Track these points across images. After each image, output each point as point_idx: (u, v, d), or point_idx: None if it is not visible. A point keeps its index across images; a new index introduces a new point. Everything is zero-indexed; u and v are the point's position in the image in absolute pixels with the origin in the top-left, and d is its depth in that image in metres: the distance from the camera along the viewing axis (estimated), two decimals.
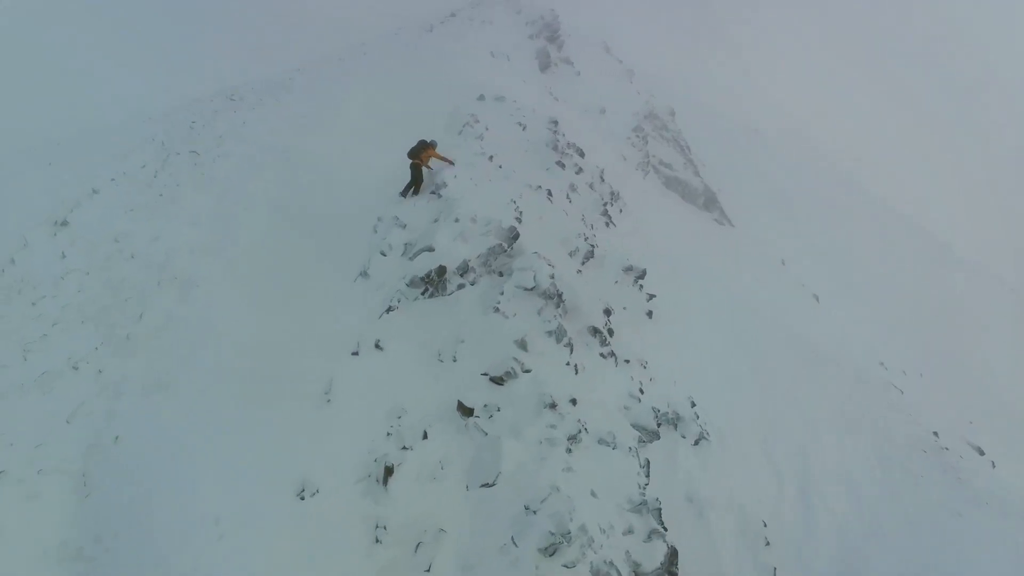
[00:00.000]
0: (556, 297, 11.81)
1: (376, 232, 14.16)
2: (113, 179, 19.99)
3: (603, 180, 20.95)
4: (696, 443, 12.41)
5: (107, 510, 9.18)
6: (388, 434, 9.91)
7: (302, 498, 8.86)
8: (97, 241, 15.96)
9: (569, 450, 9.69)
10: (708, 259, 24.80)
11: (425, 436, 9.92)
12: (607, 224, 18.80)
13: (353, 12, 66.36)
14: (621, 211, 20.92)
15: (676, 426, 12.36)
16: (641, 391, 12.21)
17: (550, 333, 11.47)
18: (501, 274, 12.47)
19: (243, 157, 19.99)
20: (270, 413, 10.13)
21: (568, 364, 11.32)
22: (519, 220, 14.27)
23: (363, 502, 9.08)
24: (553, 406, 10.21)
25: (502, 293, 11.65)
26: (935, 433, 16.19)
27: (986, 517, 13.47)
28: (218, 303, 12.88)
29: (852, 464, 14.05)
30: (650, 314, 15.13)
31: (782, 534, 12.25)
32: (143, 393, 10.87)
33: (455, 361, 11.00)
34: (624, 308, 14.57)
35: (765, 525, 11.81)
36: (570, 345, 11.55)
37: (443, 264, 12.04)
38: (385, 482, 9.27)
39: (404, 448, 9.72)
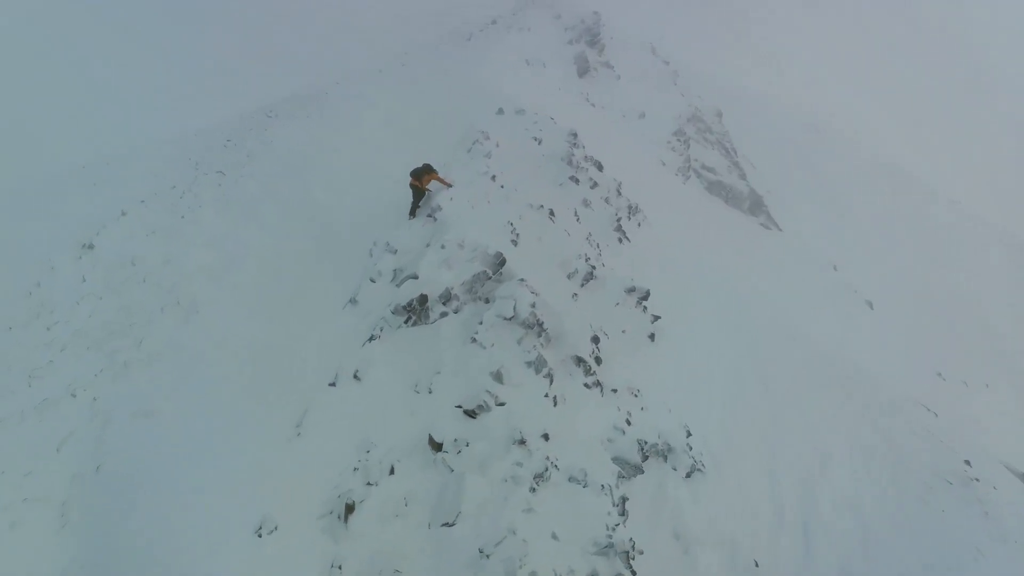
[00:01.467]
0: (537, 326, 11.56)
1: (371, 256, 14.20)
2: (143, 201, 20.74)
3: (620, 194, 20.45)
4: (688, 475, 11.94)
5: (82, 541, 9.49)
6: (355, 469, 9.89)
7: (260, 535, 8.91)
8: (116, 264, 16.58)
9: (533, 489, 9.46)
10: (735, 270, 23.94)
11: (392, 471, 9.87)
12: (620, 240, 18.34)
13: (405, 19, 67.36)
14: (640, 225, 20.39)
15: (666, 458, 11.93)
16: (628, 422, 11.83)
17: (529, 364, 11.25)
18: (488, 301, 12.30)
19: (264, 176, 20.48)
20: (242, 445, 10.27)
21: (547, 396, 11.07)
22: (515, 243, 14.08)
23: (322, 540, 9.09)
24: (522, 442, 10.00)
25: (481, 323, 11.49)
26: (967, 462, 15.11)
27: (1013, 556, 12.52)
28: (214, 330, 13.19)
29: (864, 496, 13.26)
30: (652, 337, 14.67)
31: (777, 570, 11.67)
32: (130, 421, 11.21)
33: (431, 393, 10.91)
34: (623, 332, 14.17)
35: (757, 565, 11.24)
36: (550, 376, 11.29)
37: (424, 292, 11.94)
38: (346, 519, 9.25)
39: (369, 484, 9.68)
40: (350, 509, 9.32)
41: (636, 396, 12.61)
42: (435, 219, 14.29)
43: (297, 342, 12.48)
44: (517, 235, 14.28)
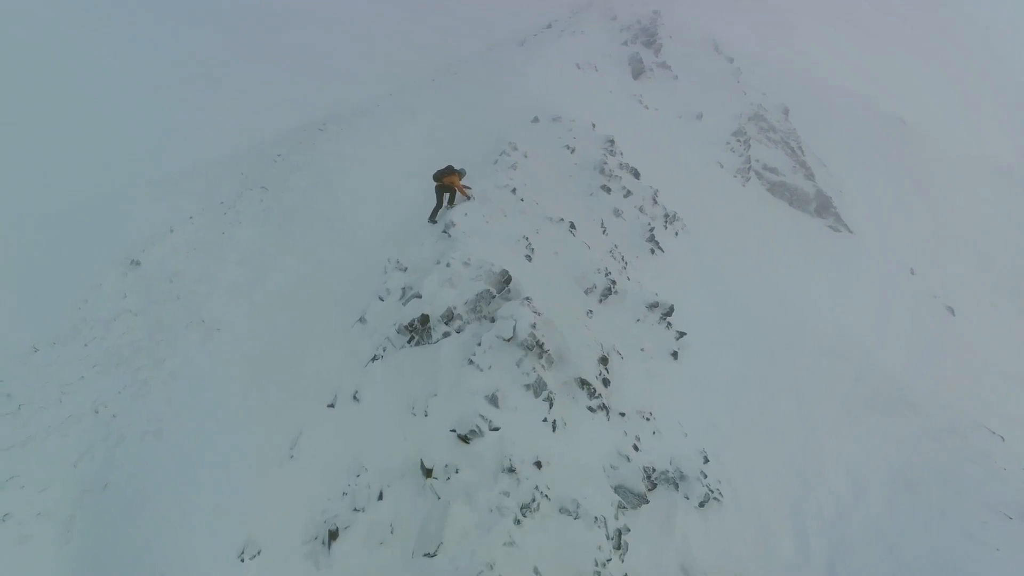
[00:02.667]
0: (537, 347, 11.19)
1: (385, 273, 14.18)
2: (191, 217, 21.54)
3: (656, 202, 19.77)
4: (701, 504, 11.30)
5: (81, 558, 9.81)
6: (344, 493, 9.81)
7: (242, 560, 8.94)
8: (157, 281, 17.23)
9: (518, 520, 9.12)
10: (785, 279, 22.70)
11: (381, 497, 9.74)
12: (652, 251, 17.69)
13: (468, 25, 67.88)
14: (677, 234, 19.64)
15: (677, 486, 11.34)
16: (636, 448, 11.30)
17: (528, 387, 10.90)
18: (493, 320, 12.04)
19: (300, 192, 20.90)
20: (237, 466, 10.37)
21: (545, 420, 10.69)
22: (529, 258, 13.78)
23: (304, 565, 9.04)
24: (511, 470, 9.67)
25: (479, 344, 11.22)
26: None
27: None
28: (229, 349, 13.47)
29: (902, 531, 12.18)
30: (675, 355, 14.02)
31: None
32: (140, 440, 11.55)
33: (426, 416, 10.72)
34: (642, 350, 13.61)
35: None
36: (550, 399, 10.90)
37: (426, 312, 11.78)
38: (329, 545, 9.18)
39: (356, 510, 9.58)
40: (333, 535, 9.25)
41: (648, 419, 12.03)
42: (449, 235, 14.13)
43: (306, 361, 12.53)
44: (532, 250, 13.95)
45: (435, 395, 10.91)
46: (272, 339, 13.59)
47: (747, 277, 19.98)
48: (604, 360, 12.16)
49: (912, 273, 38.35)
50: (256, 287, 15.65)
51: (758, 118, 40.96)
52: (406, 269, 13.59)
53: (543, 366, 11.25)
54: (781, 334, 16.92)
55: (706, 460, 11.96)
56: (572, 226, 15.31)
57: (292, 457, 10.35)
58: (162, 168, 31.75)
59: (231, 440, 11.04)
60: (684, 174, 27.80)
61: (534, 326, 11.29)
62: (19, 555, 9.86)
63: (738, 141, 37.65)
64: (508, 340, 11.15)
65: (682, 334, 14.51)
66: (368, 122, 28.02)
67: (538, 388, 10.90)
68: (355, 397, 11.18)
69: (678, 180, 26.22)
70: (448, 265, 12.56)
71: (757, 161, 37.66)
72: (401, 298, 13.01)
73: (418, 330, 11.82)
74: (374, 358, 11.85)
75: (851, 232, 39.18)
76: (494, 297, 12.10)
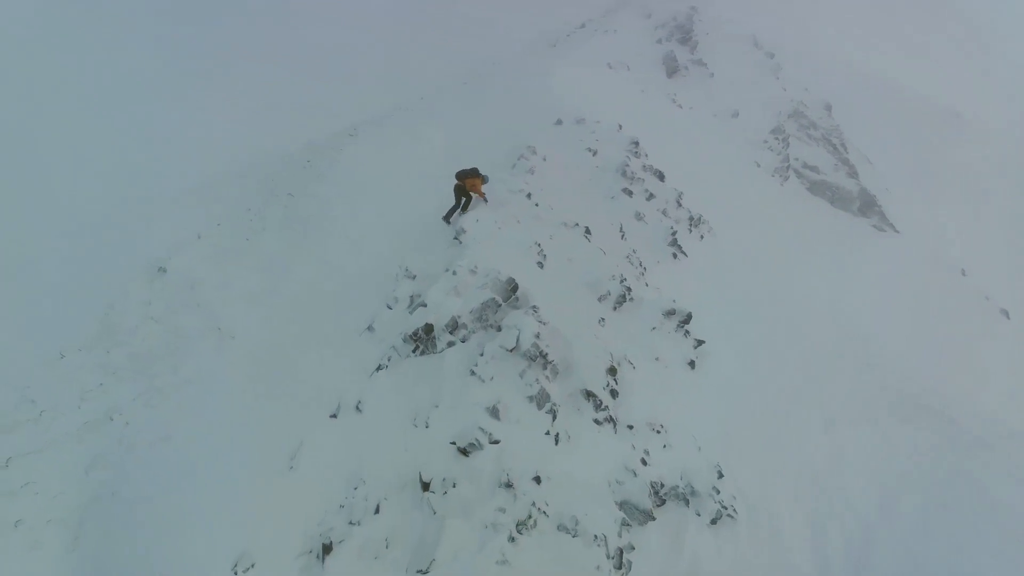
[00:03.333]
0: (540, 358, 10.91)
1: (396, 281, 14.09)
2: (219, 223, 21.85)
3: (680, 205, 19.24)
4: (714, 521, 10.87)
5: (86, 565, 9.93)
6: (341, 506, 9.73)
7: (235, 573, 8.91)
8: (179, 288, 17.46)
9: (513, 538, 8.87)
10: (819, 281, 21.86)
11: (378, 510, 9.61)
12: (675, 256, 17.21)
13: (508, 26, 67.61)
14: (702, 238, 19.08)
15: (688, 502, 10.92)
16: (644, 462, 10.92)
17: (531, 398, 10.64)
18: (499, 330, 11.81)
19: (324, 199, 21.01)
20: (238, 476, 10.39)
21: (548, 434, 10.41)
22: (541, 265, 13.52)
23: None
24: (508, 485, 9.43)
25: (482, 354, 11.01)
26: None
27: None
28: (242, 357, 13.54)
29: (932, 552, 11.50)
30: (692, 364, 13.56)
31: None
32: (150, 447, 11.67)
33: (427, 427, 10.56)
34: (656, 359, 13.19)
35: None
36: (553, 412, 10.62)
37: (430, 321, 11.62)
38: (323, 559, 9.09)
39: (352, 523, 9.48)
40: (327, 549, 9.16)
41: (659, 432, 11.63)
42: (460, 242, 13.96)
43: (313, 369, 12.52)
44: (544, 256, 13.68)
45: (437, 406, 10.74)
46: (283, 347, 13.62)
47: (776, 282, 19.29)
48: (613, 370, 11.80)
49: (963, 274, 36.71)
50: (273, 294, 15.73)
51: (798, 115, 39.75)
52: (415, 277, 13.47)
53: (547, 377, 10.96)
54: (808, 341, 16.28)
55: (720, 475, 11.51)
56: (587, 231, 14.98)
57: (292, 468, 10.31)
58: (194, 174, 32.22)
59: (235, 449, 11.07)
60: (716, 174, 27.09)
61: (538, 336, 11.02)
62: (28, 561, 10.03)
63: (776, 139, 36.61)
64: (511, 350, 10.90)
65: (700, 342, 14.04)
66: (396, 126, 28.10)
67: (541, 400, 10.63)
68: (358, 407, 11.09)
69: (709, 181, 25.57)
70: (454, 273, 12.39)
71: (796, 159, 36.55)
72: (409, 306, 12.89)
73: (422, 339, 11.67)
74: (379, 367, 11.75)
75: (897, 232, 37.71)
76: (500, 306, 11.87)
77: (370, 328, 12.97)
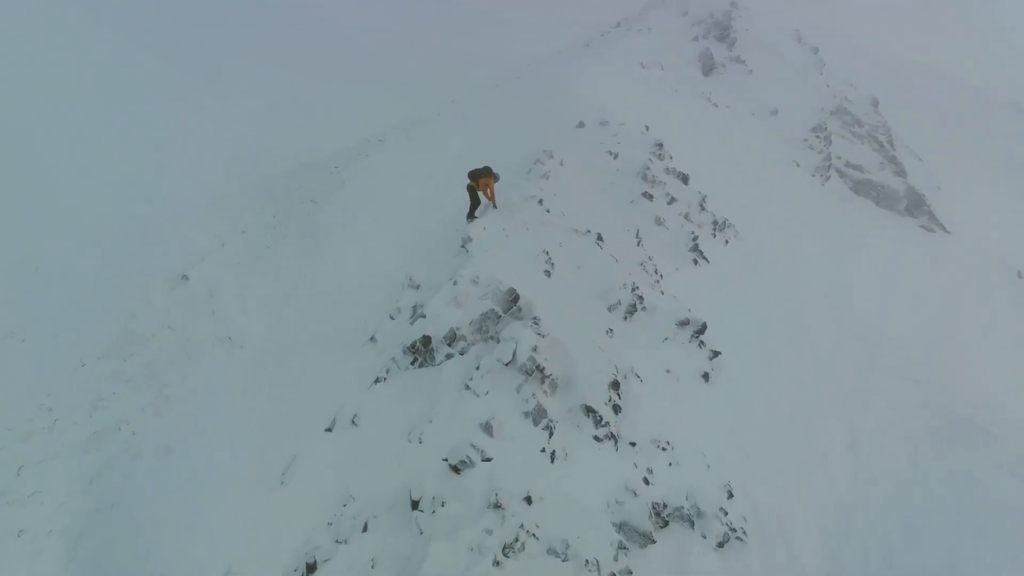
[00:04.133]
0: (537, 372, 10.54)
1: (401, 290, 13.91)
2: (244, 231, 22.12)
3: (704, 208, 18.57)
4: (721, 545, 10.32)
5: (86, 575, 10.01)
6: (329, 524, 9.55)
7: None
8: (198, 296, 17.71)
9: (498, 562, 8.53)
10: (855, 285, 20.83)
11: (365, 528, 9.40)
12: (695, 262, 16.60)
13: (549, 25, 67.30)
14: (727, 242, 18.37)
15: (693, 524, 10.40)
16: (646, 481, 10.44)
17: (527, 414, 10.29)
18: (500, 342, 11.49)
19: (343, 206, 21.08)
20: (231, 490, 10.34)
21: (543, 451, 10.03)
22: (548, 273, 13.15)
23: None
24: (497, 506, 9.09)
25: (478, 368, 10.70)
26: None
27: None
28: (248, 368, 13.57)
29: None
30: (706, 376, 12.98)
31: None
32: (154, 458, 11.74)
33: (421, 443, 10.30)
34: (667, 372, 12.67)
35: None
36: (550, 428, 10.24)
37: (427, 334, 11.37)
38: None
39: (338, 542, 9.28)
40: (311, 568, 8.98)
41: (665, 449, 11.12)
42: (467, 251, 13.69)
43: (315, 380, 12.44)
44: (552, 265, 13.30)
45: (431, 421, 10.48)
46: (288, 357, 13.60)
47: (807, 288, 18.45)
48: (615, 385, 11.33)
49: (1020, 276, 34.71)
50: (285, 302, 15.79)
51: (841, 111, 38.32)
52: (419, 286, 13.27)
53: (545, 392, 10.59)
54: (839, 352, 15.47)
55: (730, 495, 10.94)
56: (599, 238, 14.52)
57: (283, 483, 10.18)
58: (229, 181, 32.76)
59: (233, 463, 11.04)
60: (750, 175, 26.20)
61: (535, 349, 10.65)
62: (30, 570, 10.16)
63: (817, 137, 35.34)
64: (507, 364, 10.56)
65: (716, 353, 13.44)
66: (422, 132, 28.08)
67: (537, 416, 10.27)
68: (353, 421, 10.92)
69: (741, 182, 24.75)
70: (455, 283, 12.12)
71: (839, 158, 35.20)
72: (411, 317, 12.68)
73: (420, 352, 11.43)
74: (377, 380, 11.55)
75: (947, 232, 35.92)
76: (500, 317, 11.54)
77: (372, 339, 12.81)
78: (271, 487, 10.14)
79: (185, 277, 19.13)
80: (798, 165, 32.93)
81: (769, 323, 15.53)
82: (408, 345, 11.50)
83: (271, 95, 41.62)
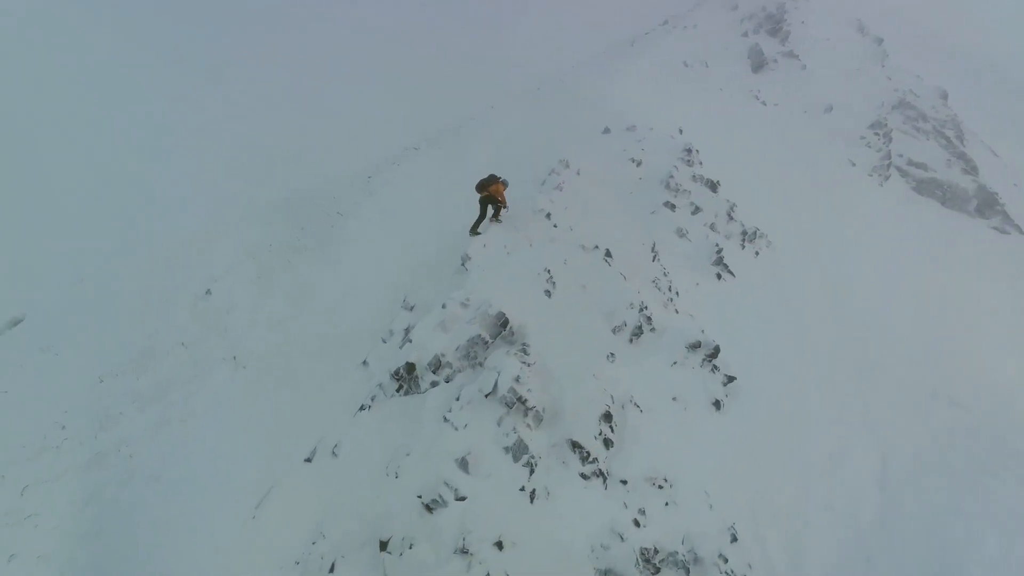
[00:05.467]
0: (518, 403, 9.92)
1: (395, 312, 13.50)
2: (271, 245, 22.25)
3: (732, 218, 17.45)
4: None
5: None
6: (296, 562, 9.19)
7: None
8: (216, 312, 17.79)
9: None
10: (907, 298, 19.22)
11: (332, 569, 8.99)
12: (718, 276, 15.57)
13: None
14: (758, 254, 17.21)
15: (688, 571, 9.56)
16: (636, 523, 9.67)
17: (507, 449, 9.69)
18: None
19: (365, 219, 20.98)
20: (207, 524, 10.11)
21: (523, 490, 9.41)
22: (549, 293, 12.49)
23: None
24: (464, 551, 8.52)
25: (458, 398, 10.16)
26: None
27: None
28: (246, 390, 13.43)
29: None
30: (718, 404, 12.05)
31: None
32: (144, 484, 11.69)
33: (397, 477, 9.83)
34: (673, 399, 11.81)
35: None
36: (531, 464, 9.60)
37: (411, 360, 10.90)
38: None
39: None
40: None
41: (661, 487, 10.31)
42: (466, 269, 13.17)
43: (307, 405, 12.19)
44: (554, 284, 12.63)
45: (408, 454, 9.98)
46: (287, 378, 13.40)
47: (848, 301, 17.10)
48: (608, 416, 10.56)
49: None
50: (294, 320, 15.64)
51: (904, 106, 35.97)
52: (413, 307, 12.83)
53: (528, 425, 9.95)
54: (882, 376, 14.20)
55: (734, 538, 10.04)
56: (608, 254, 13.72)
57: (255, 517, 9.89)
58: (272, 192, 33.21)
59: (217, 492, 10.86)
60: (796, 178, 24.74)
61: (517, 379, 10.03)
62: None
63: (876, 134, 33.24)
64: (488, 395, 9.97)
65: (731, 379, 12.48)
66: (453, 140, 27.75)
67: (518, 451, 9.65)
68: (334, 451, 10.55)
69: (785, 186, 23.37)
70: (444, 307, 11.60)
71: (900, 156, 33.01)
72: (402, 341, 12.25)
73: (404, 379, 10.97)
74: (362, 407, 11.16)
75: (1023, 234, 33.20)
76: (487, 343, 10.95)
77: (365, 363, 12.44)
78: (243, 520, 9.85)
79: (208, 292, 19.28)
80: (853, 165, 31.02)
81: (798, 343, 14.40)
82: (393, 371, 11.05)
83: (314, 105, 42.31)
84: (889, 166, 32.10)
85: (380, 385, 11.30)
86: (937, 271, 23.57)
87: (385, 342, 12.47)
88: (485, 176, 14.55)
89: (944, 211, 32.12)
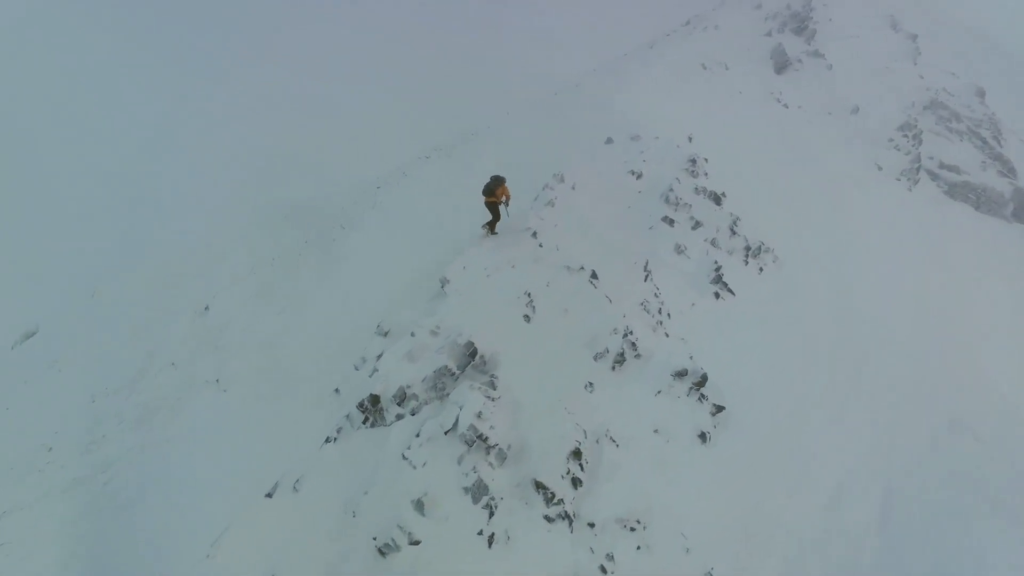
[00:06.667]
0: (478, 441, 9.46)
1: (370, 338, 13.16)
2: (274, 259, 22.20)
3: (735, 233, 16.66)
4: None
5: None
6: None
7: None
8: (211, 330, 17.74)
9: None
10: (931, 311, 18.21)
11: None
12: (717, 296, 14.86)
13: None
14: (762, 270, 16.41)
15: None
16: (603, 569, 9.13)
17: (467, 490, 9.24)
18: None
19: (367, 232, 20.79)
20: (163, 565, 9.91)
21: (481, 533, 8.95)
22: (528, 318, 12.03)
23: None
24: None
25: (418, 435, 9.75)
26: None
27: None
28: (226, 415, 13.27)
29: None
30: (704, 437, 11.40)
31: None
32: (117, 512, 11.57)
33: (354, 517, 9.47)
34: (655, 432, 11.21)
35: None
36: (491, 507, 9.13)
37: (376, 392, 10.53)
38: None
39: None
40: None
41: (634, 530, 9.74)
42: (445, 292, 12.76)
43: (280, 435, 11.92)
44: (533, 308, 12.15)
45: (366, 493, 9.61)
46: (267, 404, 13.20)
47: (857, 321, 16.19)
48: (577, 454, 10.02)
49: None
50: (283, 340, 15.46)
51: (936, 106, 34.40)
52: (387, 333, 12.46)
53: (491, 464, 9.49)
54: (898, 406, 13.37)
55: None
56: (594, 275, 13.17)
57: (209, 556, 9.61)
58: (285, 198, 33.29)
59: (179, 528, 10.67)
60: (813, 185, 23.73)
61: (479, 415, 9.57)
62: None
63: (904, 136, 31.83)
64: (447, 432, 9.54)
65: (719, 408, 11.82)
66: (463, 149, 27.41)
67: (478, 492, 9.19)
68: (295, 487, 10.21)
69: (800, 194, 22.43)
70: (413, 335, 11.20)
71: (931, 158, 31.53)
72: (372, 369, 11.88)
73: (370, 411, 10.60)
74: (327, 440, 10.82)
75: None
76: (454, 374, 10.52)
77: (337, 391, 12.12)
78: (198, 559, 9.59)
79: (207, 308, 19.27)
80: (880, 169, 29.72)
81: (800, 368, 13.63)
82: (358, 403, 10.69)
83: (322, 106, 42.32)
84: (918, 169, 30.67)
85: (348, 416, 10.94)
86: (971, 288, 22.31)
87: (358, 369, 12.15)
88: (489, 180, 14.24)
89: (977, 215, 30.60)
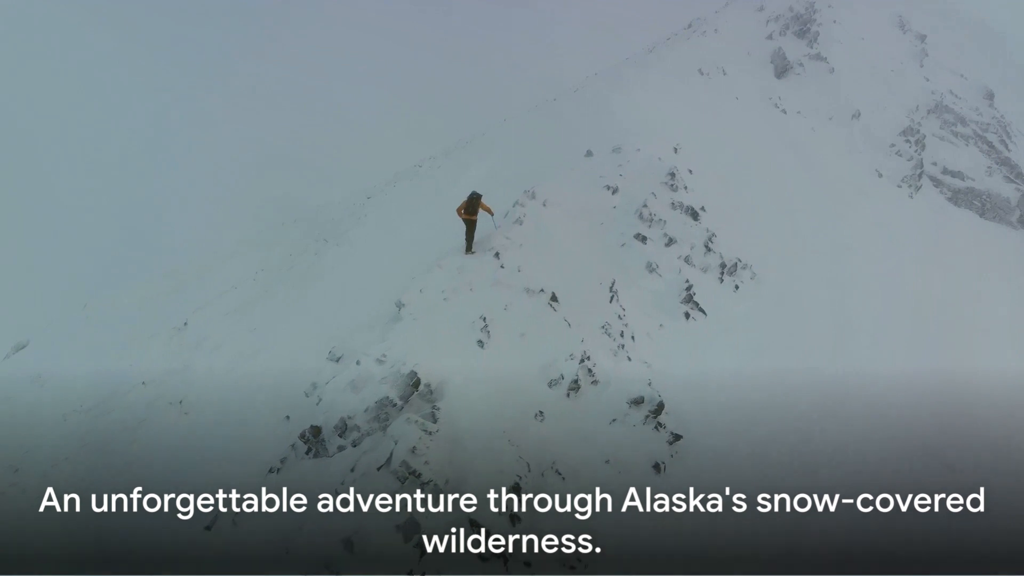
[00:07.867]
0: (412, 477, 9.25)
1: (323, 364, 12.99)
2: (256, 273, 22.19)
3: (710, 249, 16.28)
4: None
5: None
6: None
7: None
8: (185, 347, 17.72)
9: None
10: (927, 326, 17.65)
11: None
12: (687, 316, 14.52)
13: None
14: (738, 288, 16.03)
15: None
16: None
17: (398, 528, 9.02)
18: None
19: (351, 244, 20.81)
20: None
21: (411, 573, 8.72)
22: (482, 344, 11.80)
23: None
24: None
25: (352, 469, 9.56)
26: None
27: None
28: (182, 440, 13.12)
29: None
30: (659, 468, 11.08)
31: None
32: None
33: (287, 553, 9.30)
34: (606, 463, 10.91)
35: None
36: (421, 545, 8.90)
37: (317, 424, 10.37)
38: None
39: None
40: None
41: (574, 569, 9.45)
42: (401, 317, 12.57)
43: (224, 465, 11.73)
44: (488, 334, 11.92)
45: (300, 528, 9.44)
46: (221, 429, 13.05)
47: (846, 340, 15.72)
48: (516, 489, 9.76)
49: None
50: (251, 360, 15.34)
51: (942, 109, 33.71)
52: (340, 358, 12.29)
53: (424, 501, 9.25)
54: (875, 433, 12.94)
55: None
56: (554, 298, 12.90)
57: None
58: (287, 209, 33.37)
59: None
60: (806, 194, 23.24)
61: (414, 450, 9.35)
62: None
63: (907, 141, 31.14)
64: (379, 468, 9.34)
65: (677, 437, 11.49)
66: (455, 158, 27.28)
67: (409, 530, 8.96)
68: (235, 521, 10.07)
69: (790, 205, 21.98)
70: (358, 363, 11.02)
71: (934, 164, 30.88)
72: (319, 397, 11.72)
73: (311, 441, 10.43)
74: (271, 470, 10.67)
75: None
76: (396, 405, 10.31)
77: (288, 418, 11.98)
78: None
79: (185, 324, 19.27)
80: (880, 175, 29.07)
81: (771, 393, 13.24)
82: (300, 433, 10.54)
83: (325, 107, 42.33)
84: (920, 176, 29.99)
85: (293, 446, 10.80)
86: (971, 297, 21.66)
87: (308, 396, 11.98)
88: (466, 199, 14.14)
89: (982, 222, 29.86)
